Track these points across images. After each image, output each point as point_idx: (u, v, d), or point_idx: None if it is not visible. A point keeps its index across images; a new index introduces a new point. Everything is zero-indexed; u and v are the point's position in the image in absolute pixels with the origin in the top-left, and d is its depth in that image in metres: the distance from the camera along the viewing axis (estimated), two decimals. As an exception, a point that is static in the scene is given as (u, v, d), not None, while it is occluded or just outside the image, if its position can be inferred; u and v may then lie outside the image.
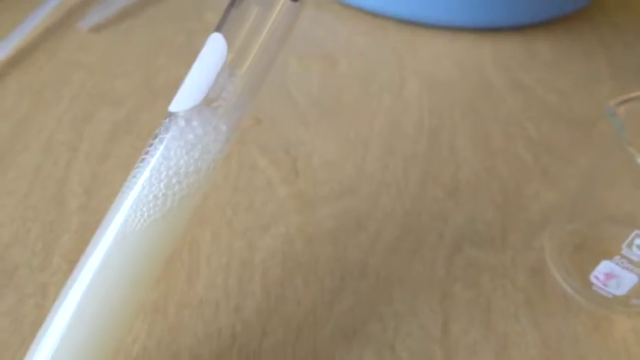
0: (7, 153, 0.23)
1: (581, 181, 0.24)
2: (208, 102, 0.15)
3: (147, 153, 0.15)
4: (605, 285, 0.19)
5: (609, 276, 0.19)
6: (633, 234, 0.18)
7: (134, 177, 0.15)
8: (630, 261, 0.18)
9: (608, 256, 0.19)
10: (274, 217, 0.22)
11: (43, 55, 0.28)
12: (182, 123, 0.15)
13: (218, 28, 0.15)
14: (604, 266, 0.19)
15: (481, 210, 0.23)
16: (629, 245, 0.18)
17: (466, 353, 0.19)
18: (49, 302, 0.18)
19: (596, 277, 0.20)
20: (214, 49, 0.16)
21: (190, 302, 0.19)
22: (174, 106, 0.15)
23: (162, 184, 0.15)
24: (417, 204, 0.23)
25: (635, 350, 0.19)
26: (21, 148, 0.24)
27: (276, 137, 0.25)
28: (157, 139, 0.15)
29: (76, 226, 0.21)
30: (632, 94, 0.19)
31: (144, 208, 0.15)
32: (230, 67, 0.15)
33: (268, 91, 0.27)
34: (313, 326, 0.19)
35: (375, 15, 0.33)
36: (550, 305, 0.20)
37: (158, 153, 0.15)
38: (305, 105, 0.27)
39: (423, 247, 0.22)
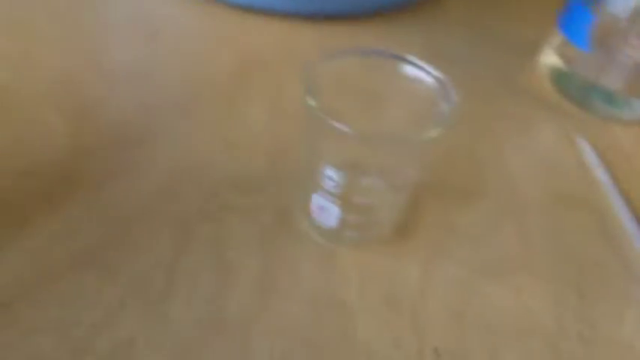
0: None
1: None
2: None
3: None
4: (319, 217, 0.22)
5: (321, 209, 0.22)
6: (323, 172, 0.20)
7: None
8: (330, 193, 0.21)
9: (316, 190, 0.21)
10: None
11: None
12: None
13: None
14: (314, 199, 0.22)
15: (250, 164, 0.26)
16: (323, 179, 0.20)
17: (188, 277, 0.21)
18: None
19: (313, 211, 0.22)
20: None
21: None
22: None
23: None
24: (195, 156, 0.26)
25: (350, 281, 0.22)
26: None
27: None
28: None
29: None
30: (337, 52, 0.21)
31: None
32: None
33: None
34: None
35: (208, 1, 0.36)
36: (285, 240, 0.23)
37: None
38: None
39: (182, 191, 0.24)
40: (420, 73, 0.21)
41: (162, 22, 0.33)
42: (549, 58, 0.33)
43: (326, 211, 0.22)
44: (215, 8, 0.35)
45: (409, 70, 0.21)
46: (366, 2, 0.36)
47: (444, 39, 0.36)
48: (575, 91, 0.31)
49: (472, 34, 0.37)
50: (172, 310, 0.20)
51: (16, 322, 0.19)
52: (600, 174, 0.27)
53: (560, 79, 0.32)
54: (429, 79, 0.20)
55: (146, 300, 0.20)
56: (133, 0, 0.34)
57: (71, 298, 0.20)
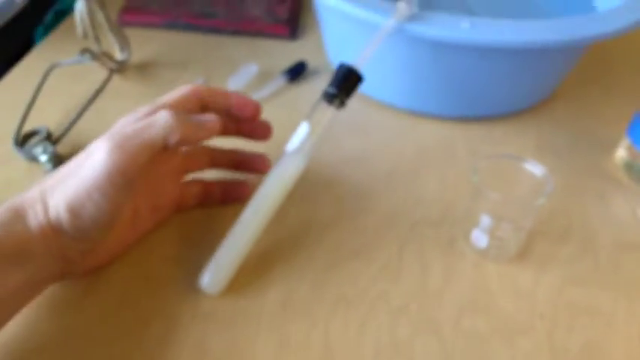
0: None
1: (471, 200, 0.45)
2: (299, 148, 0.39)
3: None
4: (476, 243, 0.40)
5: (477, 237, 0.40)
6: (480, 217, 0.39)
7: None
8: (483, 229, 0.39)
9: (475, 227, 0.40)
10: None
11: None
12: (288, 154, 0.39)
13: (306, 119, 0.39)
14: (474, 232, 0.40)
15: (431, 209, 0.45)
16: (481, 222, 0.39)
17: (408, 270, 0.40)
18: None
19: (472, 239, 0.41)
20: (303, 128, 0.39)
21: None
22: (288, 147, 0.39)
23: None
24: (397, 207, 0.45)
25: (493, 280, 0.40)
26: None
27: (328, 167, 0.49)
28: (279, 162, 0.39)
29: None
30: (488, 156, 0.40)
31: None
32: (309, 135, 0.39)
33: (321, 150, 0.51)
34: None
35: (389, 105, 0.56)
36: (455, 255, 0.41)
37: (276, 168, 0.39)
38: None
39: (396, 227, 0.44)
40: (534, 168, 0.39)
41: (370, 124, 0.54)
42: (621, 153, 0.49)
43: (480, 239, 0.40)
44: (401, 113, 0.56)
45: (528, 166, 0.39)
46: (496, 107, 0.55)
47: (551, 135, 0.53)
48: (638, 176, 0.47)
49: (571, 131, 0.54)
50: (403, 278, 0.39)
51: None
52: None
53: (628, 168, 0.48)
54: (538, 171, 0.39)
55: (390, 274, 0.39)
56: (353, 111, 0.56)
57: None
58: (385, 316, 0.37)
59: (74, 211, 0.32)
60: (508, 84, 0.52)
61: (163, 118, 0.34)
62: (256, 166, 0.43)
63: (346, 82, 0.39)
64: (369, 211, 0.45)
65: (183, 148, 0.42)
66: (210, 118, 0.36)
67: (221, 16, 0.66)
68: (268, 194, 0.38)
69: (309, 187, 0.46)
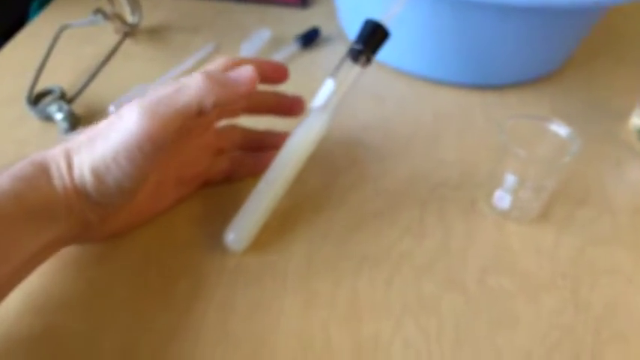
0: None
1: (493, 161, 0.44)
2: (324, 106, 0.38)
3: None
4: (498, 203, 0.40)
5: (500, 197, 0.40)
6: (505, 176, 0.38)
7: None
8: (507, 189, 0.39)
9: (498, 187, 0.40)
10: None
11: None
12: (313, 111, 0.38)
13: (331, 76, 0.39)
14: (497, 193, 0.40)
15: (451, 172, 0.44)
16: (505, 181, 0.39)
17: (430, 228, 0.40)
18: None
19: (495, 199, 0.40)
20: (328, 84, 0.39)
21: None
22: (313, 104, 0.38)
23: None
24: (419, 170, 0.45)
25: (515, 240, 0.39)
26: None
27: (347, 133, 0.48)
28: (304, 120, 0.38)
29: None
30: (517, 115, 0.40)
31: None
32: (334, 92, 0.38)
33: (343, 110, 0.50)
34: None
35: (406, 73, 0.56)
36: (476, 215, 0.41)
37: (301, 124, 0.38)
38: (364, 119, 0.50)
39: (417, 189, 0.43)
40: (559, 128, 0.39)
41: (386, 92, 0.54)
42: (635, 121, 0.49)
43: (504, 199, 0.40)
44: (417, 80, 0.55)
45: (553, 126, 0.39)
46: (511, 75, 0.55)
47: (565, 104, 0.53)
48: (655, 142, 0.47)
49: (584, 100, 0.54)
50: (426, 238, 0.39)
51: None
52: (668, 193, 0.43)
53: (644, 134, 0.48)
54: (564, 132, 0.38)
55: (412, 234, 0.39)
56: (369, 79, 0.55)
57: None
58: (410, 275, 0.37)
59: (99, 174, 0.31)
60: (525, 50, 0.51)
61: (195, 80, 0.32)
62: (294, 109, 0.42)
63: (373, 37, 0.38)
64: (390, 174, 0.44)
65: (218, 123, 0.40)
66: (245, 71, 0.34)
67: (231, -18, 0.65)
68: (294, 150, 0.37)
69: (329, 152, 0.46)
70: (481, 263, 0.38)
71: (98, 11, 0.51)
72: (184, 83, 0.32)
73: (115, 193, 0.32)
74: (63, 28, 0.52)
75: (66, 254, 0.35)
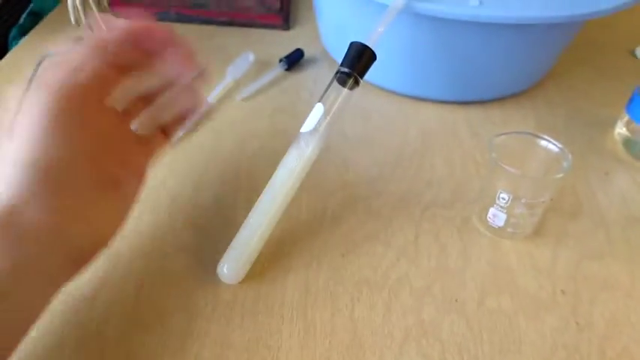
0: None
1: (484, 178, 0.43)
2: (314, 130, 0.37)
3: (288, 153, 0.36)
4: (492, 221, 0.39)
5: (494, 215, 0.39)
6: (498, 194, 0.37)
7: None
8: (501, 206, 0.38)
9: (492, 205, 0.38)
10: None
11: (219, 113, 0.51)
12: (304, 136, 0.36)
13: (320, 100, 0.37)
14: (491, 211, 0.38)
15: (442, 191, 0.43)
16: (498, 199, 0.37)
17: (424, 246, 0.38)
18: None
19: (489, 217, 0.39)
20: (318, 109, 0.37)
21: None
22: (302, 129, 0.37)
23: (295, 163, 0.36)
24: (410, 188, 0.43)
25: (512, 258, 0.38)
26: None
27: (336, 154, 0.46)
28: (292, 146, 0.37)
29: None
30: (506, 132, 0.39)
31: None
32: (323, 116, 0.37)
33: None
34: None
35: (390, 91, 0.54)
36: (471, 234, 0.40)
37: (291, 150, 0.36)
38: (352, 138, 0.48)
39: (409, 207, 0.42)
40: (549, 144, 0.38)
41: (372, 110, 0.52)
42: (620, 130, 0.48)
43: (498, 217, 0.38)
44: (401, 98, 0.54)
45: (543, 142, 0.38)
46: (494, 90, 0.54)
47: (548, 116, 0.52)
48: (638, 152, 0.46)
49: (567, 111, 0.53)
50: (422, 259, 0.37)
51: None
52: (657, 203, 0.42)
53: (628, 144, 0.47)
54: (554, 147, 0.37)
55: (408, 256, 0.37)
56: (356, 97, 0.54)
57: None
58: (409, 298, 0.35)
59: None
60: (507, 65, 0.51)
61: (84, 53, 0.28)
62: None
63: (359, 60, 0.37)
64: (381, 196, 0.43)
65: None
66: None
67: (212, 7, 0.63)
68: (286, 177, 0.36)
69: (319, 174, 0.44)
70: (479, 283, 0.36)
71: (79, 39, 0.49)
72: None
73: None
74: (44, 57, 0.50)
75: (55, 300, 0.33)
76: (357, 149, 0.47)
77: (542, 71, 0.56)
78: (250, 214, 0.35)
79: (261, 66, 0.57)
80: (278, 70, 0.56)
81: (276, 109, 0.51)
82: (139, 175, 0.32)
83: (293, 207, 0.40)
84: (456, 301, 0.35)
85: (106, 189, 0.29)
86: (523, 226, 0.39)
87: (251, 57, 0.56)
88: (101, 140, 0.29)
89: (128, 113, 0.31)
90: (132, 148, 0.32)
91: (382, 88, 0.54)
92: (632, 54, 0.63)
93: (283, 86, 0.55)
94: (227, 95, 0.53)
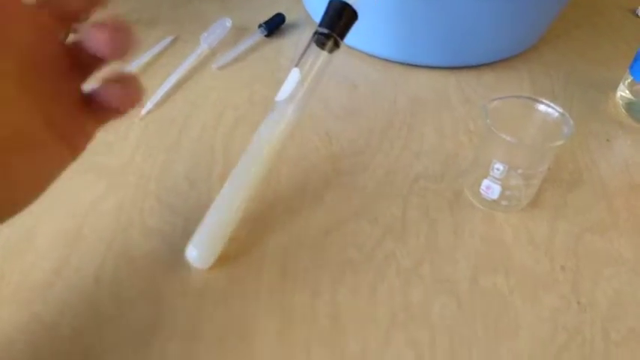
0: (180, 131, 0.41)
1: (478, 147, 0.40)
2: (290, 98, 0.33)
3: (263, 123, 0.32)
4: (486, 193, 0.35)
5: (488, 187, 0.35)
6: (492, 164, 0.33)
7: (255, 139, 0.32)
8: (495, 177, 0.34)
9: (486, 176, 0.34)
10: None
11: (193, 83, 0.47)
12: (279, 105, 0.32)
13: (296, 65, 0.33)
14: (484, 182, 0.35)
15: (432, 162, 0.39)
16: (492, 169, 0.34)
17: (412, 224, 0.35)
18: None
19: (482, 189, 0.35)
20: (294, 75, 0.33)
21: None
22: (278, 97, 0.32)
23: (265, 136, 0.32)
24: (397, 163, 0.39)
25: (507, 232, 0.35)
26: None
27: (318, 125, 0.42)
28: (269, 115, 0.32)
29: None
30: (499, 97, 0.35)
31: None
32: (300, 83, 0.33)
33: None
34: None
35: (377, 57, 0.50)
36: (463, 207, 0.36)
37: (266, 121, 0.32)
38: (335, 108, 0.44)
39: (397, 181, 0.38)
40: (548, 109, 0.34)
41: (358, 78, 0.48)
42: (622, 93, 0.44)
43: (492, 189, 0.35)
44: (389, 64, 0.50)
45: (542, 107, 0.34)
46: (486, 54, 0.49)
47: (545, 80, 0.48)
48: (642, 115, 0.43)
49: (565, 75, 0.49)
50: (410, 237, 0.33)
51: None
52: (663, 170, 0.38)
53: (630, 107, 0.43)
54: (553, 112, 0.33)
55: (395, 233, 0.34)
56: (340, 65, 0.49)
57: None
58: (396, 279, 0.32)
59: None
60: (500, 26, 0.46)
61: None
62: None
63: (339, 20, 0.33)
64: (367, 169, 0.39)
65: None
66: None
67: (187, -30, 0.58)
68: (259, 150, 0.32)
69: (300, 146, 0.40)
70: (472, 261, 0.33)
71: None
72: None
73: None
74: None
75: (4, 288, 0.29)
76: (342, 120, 0.43)
77: (538, 32, 0.51)
78: (222, 190, 0.32)
79: (239, 32, 0.52)
80: (257, 36, 0.51)
81: (255, 78, 0.47)
82: (71, 145, 0.25)
83: (271, 183, 0.36)
84: (447, 281, 0.32)
85: (22, 149, 0.22)
86: (519, 198, 0.35)
87: (228, 23, 0.52)
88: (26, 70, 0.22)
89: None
90: (69, 106, 0.24)
91: (368, 54, 0.50)
92: (634, 13, 0.58)
93: (263, 53, 0.50)
94: (202, 64, 0.49)
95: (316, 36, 0.33)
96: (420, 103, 0.45)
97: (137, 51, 0.48)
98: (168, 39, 0.51)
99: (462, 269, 0.32)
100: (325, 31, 0.33)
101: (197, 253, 0.30)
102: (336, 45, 0.34)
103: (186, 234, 0.31)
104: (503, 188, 0.34)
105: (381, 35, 0.47)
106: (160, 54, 0.50)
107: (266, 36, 0.52)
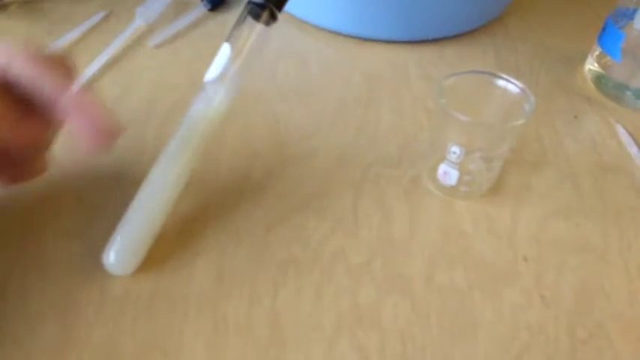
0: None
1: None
2: (221, 77, 0.29)
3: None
4: (443, 179, 0.32)
5: (444, 172, 0.32)
6: (448, 148, 0.30)
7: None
8: (452, 162, 0.31)
9: (443, 161, 0.32)
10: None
11: (126, 62, 0.43)
12: (209, 85, 0.29)
13: (227, 40, 0.29)
14: (441, 167, 0.32)
15: (388, 146, 0.36)
16: (449, 153, 0.31)
17: (364, 213, 0.32)
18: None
19: (439, 175, 0.32)
20: (224, 50, 0.29)
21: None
22: (206, 78, 0.29)
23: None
24: (351, 145, 0.36)
25: (466, 221, 0.32)
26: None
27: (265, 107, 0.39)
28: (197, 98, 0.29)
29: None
30: (457, 72, 0.31)
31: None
32: (232, 60, 0.29)
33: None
34: (281, 201, 0.32)
35: (330, 31, 0.47)
36: (419, 195, 0.33)
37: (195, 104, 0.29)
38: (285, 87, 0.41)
39: (349, 167, 0.35)
40: (508, 84, 0.31)
41: (309, 55, 0.44)
42: (591, 66, 0.42)
43: (449, 174, 0.32)
44: (343, 39, 0.46)
45: (501, 82, 0.31)
46: (450, 27, 0.46)
47: (510, 54, 0.45)
48: (611, 90, 0.40)
49: (531, 48, 0.46)
50: (361, 230, 0.31)
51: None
52: (633, 150, 0.36)
53: (600, 81, 0.41)
54: (514, 88, 0.31)
55: (345, 227, 0.31)
56: (286, 38, 0.45)
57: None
58: (344, 278, 0.29)
59: None
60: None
61: None
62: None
63: (274, -13, 0.29)
64: (316, 155, 0.36)
65: None
66: None
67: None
68: (187, 138, 0.28)
69: (242, 129, 0.37)
70: (428, 255, 0.30)
71: None
72: None
73: None
74: None
75: None
76: (291, 101, 0.40)
77: (502, 3, 0.48)
78: (144, 184, 0.28)
79: (179, 6, 0.48)
80: (200, 10, 0.47)
81: (196, 57, 0.43)
82: None
83: (208, 173, 0.33)
84: (400, 277, 0.29)
85: None
86: (479, 184, 0.33)
87: (167, -4, 0.47)
88: None
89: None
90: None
91: (321, 28, 0.46)
92: (602, -19, 0.55)
93: (206, 29, 0.46)
94: (137, 41, 0.44)
95: (250, 6, 0.30)
96: (377, 82, 0.42)
97: (62, 30, 0.44)
98: (101, 14, 0.47)
99: (417, 264, 0.30)
100: (259, 0, 0.29)
101: (115, 258, 0.27)
102: (273, 17, 0.30)
103: (108, 237, 0.28)
104: (462, 173, 0.31)
105: (332, 6, 0.44)
106: (90, 30, 0.45)
107: (209, 10, 0.48)
